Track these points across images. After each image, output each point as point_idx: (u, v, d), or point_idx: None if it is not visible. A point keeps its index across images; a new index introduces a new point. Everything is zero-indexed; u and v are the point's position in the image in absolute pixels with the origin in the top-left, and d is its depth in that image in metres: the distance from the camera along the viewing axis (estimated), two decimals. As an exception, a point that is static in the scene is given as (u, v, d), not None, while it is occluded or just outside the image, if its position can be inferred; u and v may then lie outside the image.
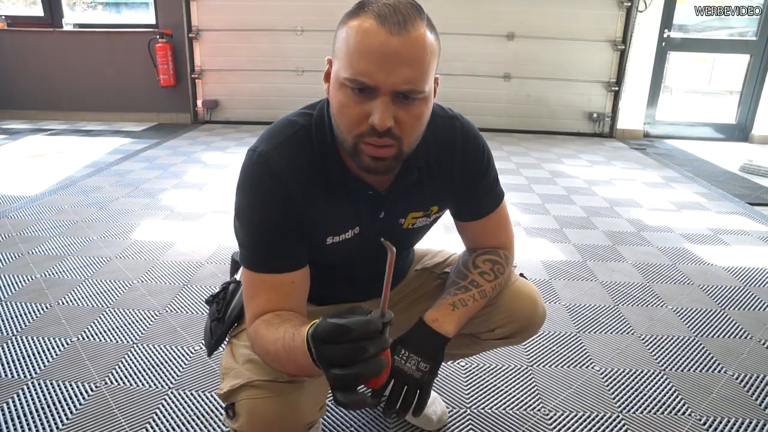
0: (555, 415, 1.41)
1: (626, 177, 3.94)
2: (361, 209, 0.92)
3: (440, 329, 0.92)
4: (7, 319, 1.78)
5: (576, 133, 5.47)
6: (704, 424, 1.38)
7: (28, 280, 2.06)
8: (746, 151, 4.85)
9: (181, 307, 1.91)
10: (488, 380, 1.55)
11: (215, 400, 1.43)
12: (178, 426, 1.33)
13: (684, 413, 1.42)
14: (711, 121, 5.60)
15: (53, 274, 2.12)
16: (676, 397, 1.49)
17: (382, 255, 0.98)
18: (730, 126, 5.45)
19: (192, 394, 1.45)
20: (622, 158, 4.55)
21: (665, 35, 5.11)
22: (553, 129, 5.49)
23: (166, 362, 1.59)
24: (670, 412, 1.43)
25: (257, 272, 0.86)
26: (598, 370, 1.60)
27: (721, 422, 1.39)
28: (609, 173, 4.03)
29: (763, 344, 1.76)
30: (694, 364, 1.65)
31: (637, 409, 1.44)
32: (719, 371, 1.61)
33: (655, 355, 1.69)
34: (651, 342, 1.76)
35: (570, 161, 4.39)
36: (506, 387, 1.52)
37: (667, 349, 1.72)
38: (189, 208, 2.97)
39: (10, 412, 1.35)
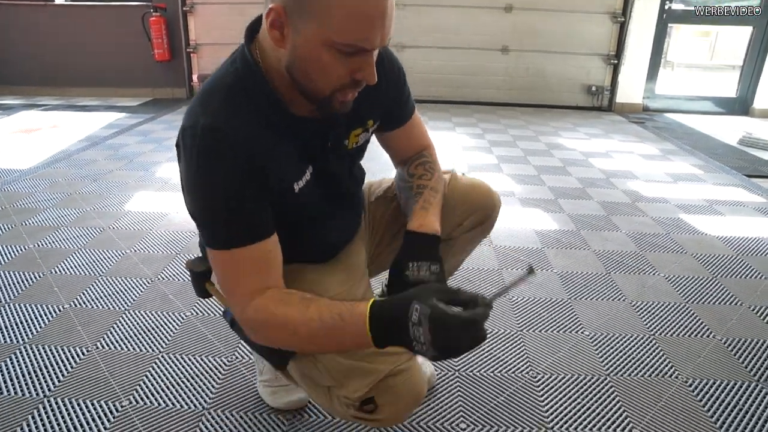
0: (543, 377, 1.42)
1: (624, 150, 3.91)
2: (309, 146, 0.92)
3: (429, 230, 0.99)
4: (0, 287, 1.79)
5: (575, 107, 5.42)
6: (690, 385, 1.40)
7: (22, 249, 2.07)
8: (746, 125, 4.81)
9: (173, 274, 1.91)
10: (478, 344, 1.56)
11: (205, 363, 1.44)
12: (167, 387, 1.34)
13: (671, 376, 1.43)
14: (711, 95, 5.55)
15: (46, 244, 2.12)
16: (664, 360, 1.50)
17: (342, 190, 1.04)
18: (731, 100, 5.40)
19: (182, 357, 1.46)
20: (621, 131, 4.52)
21: (666, 7, 5.02)
22: (552, 102, 5.43)
23: (157, 327, 1.60)
24: (657, 374, 1.44)
25: (238, 248, 0.82)
26: (588, 335, 1.61)
27: (707, 384, 1.40)
28: (606, 146, 4.00)
29: (753, 310, 1.76)
30: (683, 330, 1.65)
31: (624, 372, 1.45)
32: (708, 336, 1.62)
33: (645, 320, 1.70)
34: (641, 308, 1.77)
35: (567, 134, 4.36)
36: (495, 351, 1.53)
37: (657, 315, 1.73)
38: (183, 181, 2.95)
39: (2, 374, 1.37)
